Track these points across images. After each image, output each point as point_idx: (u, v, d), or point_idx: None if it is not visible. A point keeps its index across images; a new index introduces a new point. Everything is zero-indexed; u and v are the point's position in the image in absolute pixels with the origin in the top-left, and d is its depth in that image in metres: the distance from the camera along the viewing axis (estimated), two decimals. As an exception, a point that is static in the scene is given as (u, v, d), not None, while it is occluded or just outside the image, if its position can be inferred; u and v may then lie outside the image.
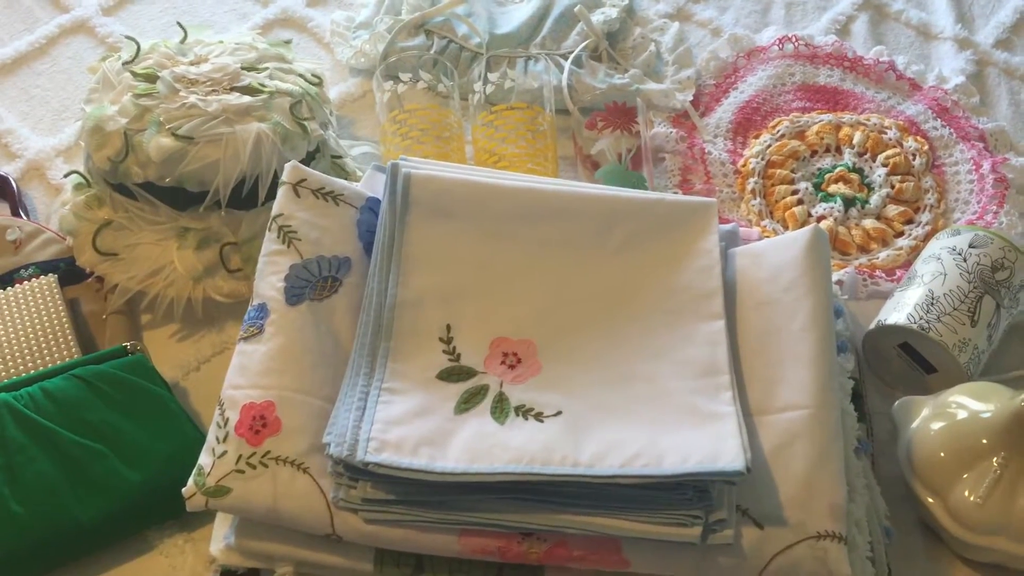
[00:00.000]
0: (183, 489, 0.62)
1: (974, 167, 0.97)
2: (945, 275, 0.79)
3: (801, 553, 0.60)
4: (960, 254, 0.80)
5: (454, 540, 0.61)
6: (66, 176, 0.91)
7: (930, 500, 0.70)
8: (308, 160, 0.86)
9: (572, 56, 1.02)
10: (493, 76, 1.00)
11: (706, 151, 0.98)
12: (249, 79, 0.85)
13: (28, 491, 0.69)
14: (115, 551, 0.71)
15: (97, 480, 0.70)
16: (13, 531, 0.67)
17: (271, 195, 0.81)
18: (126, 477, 0.70)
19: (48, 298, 0.81)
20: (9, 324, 0.79)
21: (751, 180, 0.96)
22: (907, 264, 0.90)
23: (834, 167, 0.97)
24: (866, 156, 0.98)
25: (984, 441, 0.69)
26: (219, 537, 0.66)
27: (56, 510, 0.68)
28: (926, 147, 0.98)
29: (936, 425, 0.71)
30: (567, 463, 0.60)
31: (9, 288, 0.82)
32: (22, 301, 0.81)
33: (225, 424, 0.64)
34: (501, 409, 0.64)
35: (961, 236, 0.81)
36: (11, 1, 1.13)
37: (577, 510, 0.60)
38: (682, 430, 0.62)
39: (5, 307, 0.80)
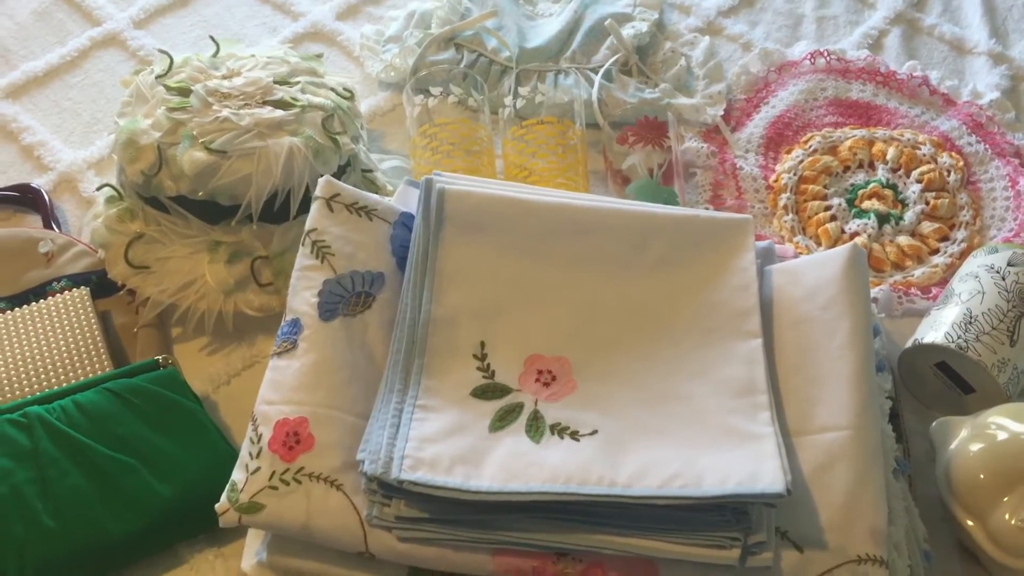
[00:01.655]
0: (216, 505, 0.62)
1: (1010, 184, 0.96)
2: (983, 293, 0.78)
3: (842, 577, 0.59)
4: (998, 272, 0.79)
5: (488, 559, 0.61)
6: (98, 189, 0.91)
7: (970, 523, 0.69)
8: (339, 174, 0.86)
9: (602, 70, 1.01)
10: (523, 90, 1.00)
11: (737, 166, 0.98)
12: (281, 93, 0.85)
13: (60, 504, 0.69)
14: (146, 565, 0.71)
15: (129, 494, 0.70)
16: (45, 544, 0.67)
17: (303, 209, 0.81)
18: (157, 491, 0.70)
19: (80, 311, 0.81)
20: (41, 337, 0.80)
21: (783, 196, 0.95)
22: (943, 282, 0.89)
23: (867, 183, 0.96)
24: (900, 172, 0.97)
25: (1025, 463, 0.68)
26: (251, 553, 0.66)
27: (88, 524, 0.68)
28: (961, 163, 0.97)
29: (975, 446, 0.70)
30: (604, 483, 0.59)
31: (41, 301, 0.82)
32: (54, 314, 0.81)
33: (258, 440, 0.63)
34: (536, 427, 0.63)
35: (999, 254, 0.80)
36: (43, 14, 1.14)
37: (613, 530, 0.59)
38: (720, 450, 0.61)
39: (38, 320, 0.80)
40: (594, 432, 0.63)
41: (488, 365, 0.67)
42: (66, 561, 0.68)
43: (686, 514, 0.59)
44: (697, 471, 0.59)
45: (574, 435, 0.63)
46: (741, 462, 0.60)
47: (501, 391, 0.66)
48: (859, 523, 0.60)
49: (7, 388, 0.77)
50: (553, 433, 0.63)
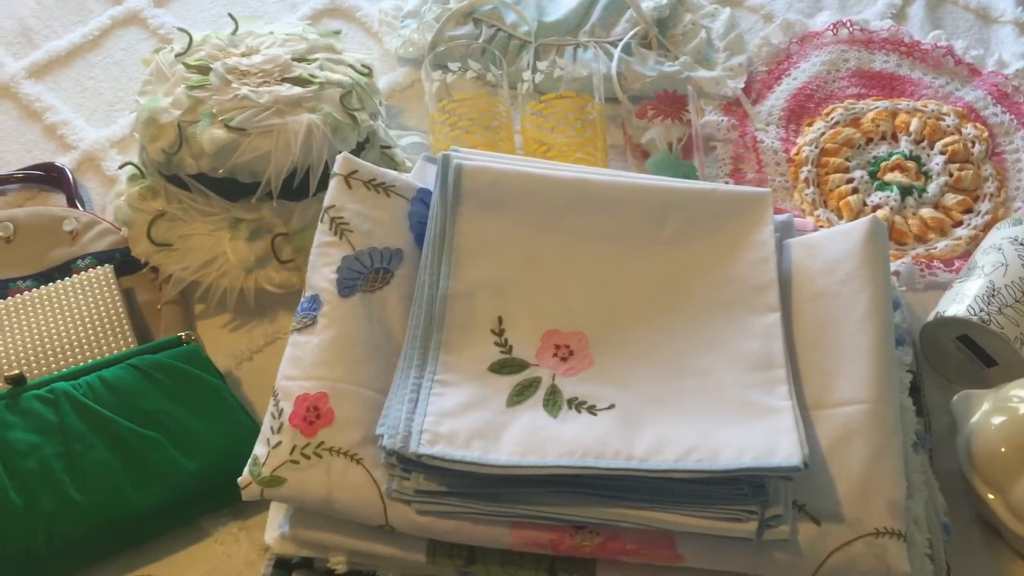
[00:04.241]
0: (239, 479, 0.63)
1: (1036, 154, 0.94)
2: (1006, 266, 0.77)
3: (859, 550, 0.59)
4: (1023, 244, 0.78)
5: (506, 532, 0.61)
6: (121, 167, 0.92)
7: (990, 496, 0.69)
8: (358, 150, 0.86)
9: (621, 44, 1.01)
10: (542, 65, 0.99)
11: (758, 139, 0.97)
12: (300, 70, 0.86)
13: (87, 478, 0.70)
14: (171, 538, 0.73)
15: (154, 468, 0.71)
16: (72, 517, 0.69)
17: (322, 186, 0.81)
18: (182, 465, 0.71)
19: (104, 288, 0.82)
20: (67, 314, 0.81)
21: (804, 169, 0.95)
22: (966, 254, 0.88)
23: (890, 155, 0.95)
24: (923, 144, 0.96)
25: (1047, 437, 0.67)
26: (273, 526, 0.67)
27: (114, 497, 0.70)
28: (986, 134, 0.96)
29: (997, 420, 0.70)
30: (621, 457, 0.59)
31: (66, 279, 0.83)
32: (79, 291, 0.82)
33: (279, 415, 0.64)
34: (554, 402, 0.64)
35: (1023, 226, 0.79)
36: (65, -7, 1.15)
37: (630, 504, 0.59)
38: (737, 424, 0.61)
39: (63, 298, 0.82)
40: (611, 406, 0.63)
41: (506, 340, 0.67)
42: (93, 534, 0.69)
43: (703, 487, 0.59)
44: (714, 445, 0.59)
45: (591, 409, 0.63)
46: (758, 436, 0.60)
47: (519, 366, 0.66)
48: (877, 496, 0.60)
49: (34, 365, 0.78)
50: (570, 408, 0.63)
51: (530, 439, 0.61)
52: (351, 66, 0.90)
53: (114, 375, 0.74)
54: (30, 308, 0.81)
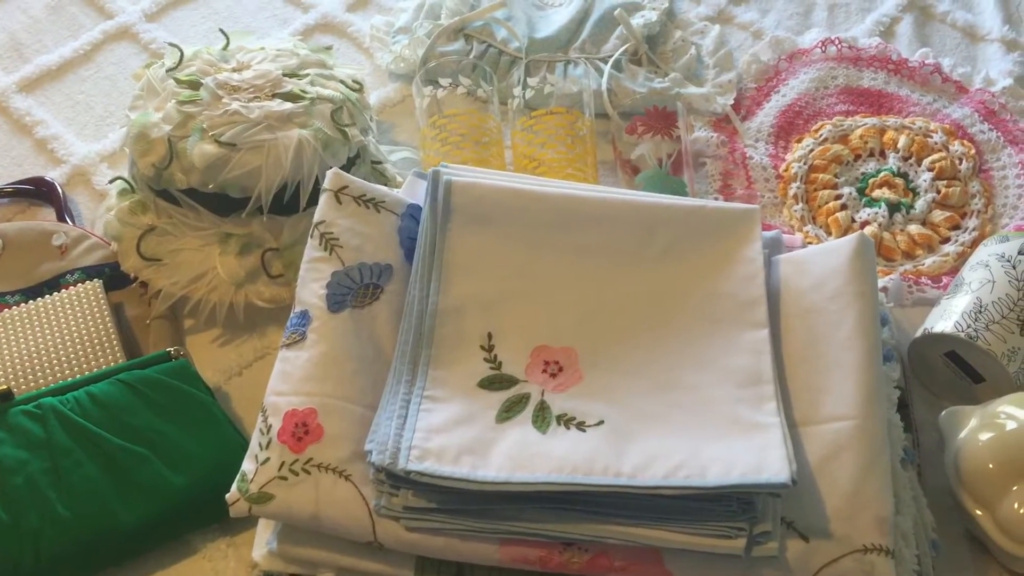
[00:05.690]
0: (227, 495, 0.63)
1: (1022, 171, 0.95)
2: (993, 282, 0.77)
3: (847, 567, 0.59)
4: (1009, 261, 0.78)
5: (495, 549, 0.61)
6: (111, 182, 0.92)
7: (978, 512, 0.69)
8: (349, 166, 0.86)
9: (612, 60, 1.01)
10: (532, 80, 1.00)
11: (747, 155, 0.98)
12: (291, 85, 0.86)
13: (74, 494, 0.70)
14: (159, 554, 0.72)
15: (141, 484, 0.71)
16: (60, 533, 0.68)
17: (312, 201, 0.82)
18: (170, 481, 0.71)
19: (93, 303, 0.82)
20: (55, 329, 0.80)
21: (793, 185, 0.95)
22: (953, 271, 0.89)
23: (878, 171, 0.96)
24: (911, 160, 0.97)
25: (1034, 453, 0.68)
26: (261, 542, 0.67)
27: (101, 513, 0.69)
28: (973, 151, 0.97)
29: (984, 436, 0.70)
30: (609, 473, 0.59)
31: (55, 293, 0.83)
32: (68, 306, 0.82)
33: (268, 431, 0.64)
34: (543, 418, 0.64)
35: (1010, 243, 0.80)
36: (56, 8, 1.15)
37: (619, 520, 0.59)
38: (725, 441, 0.61)
39: (51, 312, 0.81)
40: (600, 422, 0.63)
41: (495, 356, 0.67)
42: (80, 550, 0.69)
43: (691, 504, 0.59)
44: (702, 461, 0.59)
45: (580, 425, 0.63)
46: (746, 452, 0.60)
47: (508, 382, 0.66)
48: (865, 513, 0.60)
49: (21, 380, 0.78)
50: (559, 424, 0.63)
51: (519, 455, 0.61)
52: (342, 81, 0.90)
53: (102, 390, 0.74)
54: (18, 323, 0.81)
